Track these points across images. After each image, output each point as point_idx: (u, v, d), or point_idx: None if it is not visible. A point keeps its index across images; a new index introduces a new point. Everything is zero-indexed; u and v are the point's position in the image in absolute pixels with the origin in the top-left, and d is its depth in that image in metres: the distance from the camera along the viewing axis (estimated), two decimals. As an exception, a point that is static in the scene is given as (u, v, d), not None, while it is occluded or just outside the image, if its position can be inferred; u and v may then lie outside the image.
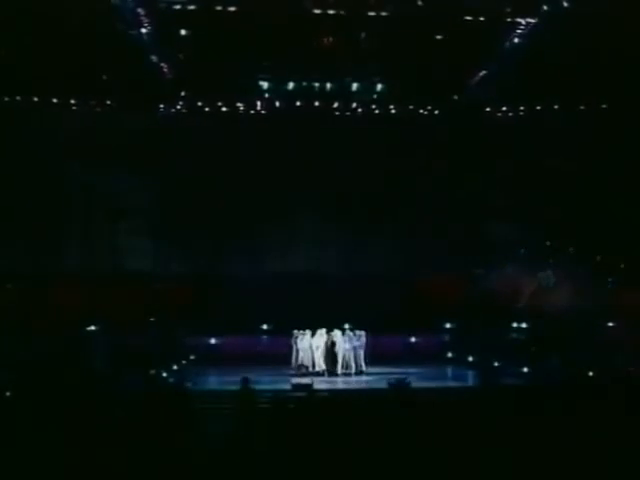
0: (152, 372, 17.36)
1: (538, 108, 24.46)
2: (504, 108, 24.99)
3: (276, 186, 24.37)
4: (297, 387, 16.57)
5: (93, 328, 19.82)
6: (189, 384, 16.46)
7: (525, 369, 18.12)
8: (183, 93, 23.78)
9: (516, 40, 19.51)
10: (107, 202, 23.81)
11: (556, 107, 24.13)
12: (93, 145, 23.65)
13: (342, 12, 18.06)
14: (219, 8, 17.97)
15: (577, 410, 10.55)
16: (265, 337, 23.13)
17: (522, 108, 24.82)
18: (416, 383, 16.70)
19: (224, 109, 24.47)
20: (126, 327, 19.63)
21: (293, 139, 24.40)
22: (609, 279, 21.81)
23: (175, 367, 18.71)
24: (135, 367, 16.84)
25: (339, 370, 19.59)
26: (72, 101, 23.77)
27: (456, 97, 23.96)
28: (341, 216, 24.84)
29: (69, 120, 23.76)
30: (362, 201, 24.70)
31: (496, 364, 18.77)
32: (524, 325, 20.91)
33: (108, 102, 23.79)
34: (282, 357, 19.92)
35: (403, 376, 17.27)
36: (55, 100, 23.52)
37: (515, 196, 24.18)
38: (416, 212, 24.61)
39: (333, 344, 19.65)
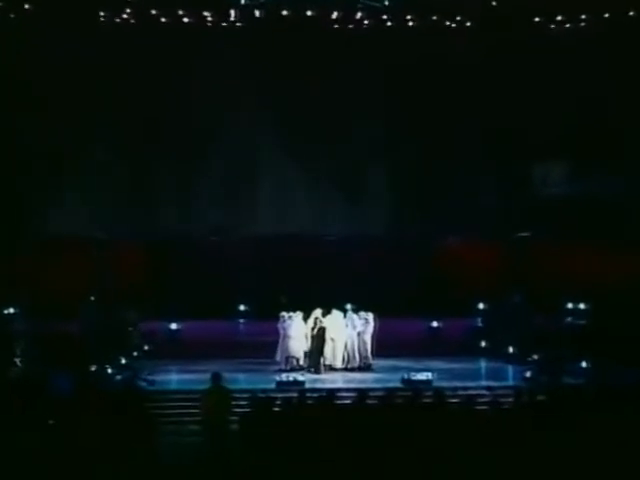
0: (93, 368, 17.41)
1: (606, 16, 24.04)
2: (559, 17, 24.54)
3: (257, 124, 24.20)
4: (284, 385, 16.74)
5: (12, 311, 19.65)
6: (143, 383, 16.50)
7: (584, 364, 18.10)
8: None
9: None
10: (32, 148, 23.44)
11: (632, 13, 23.68)
12: (9, 71, 22.98)
13: None
14: None
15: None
16: (243, 321, 23.28)
17: (584, 17, 24.37)
18: (440, 381, 16.93)
19: (186, 20, 24.02)
20: (57, 309, 19.57)
21: (278, 61, 24.12)
22: None
23: (124, 361, 18.75)
24: (70, 362, 16.77)
25: (339, 364, 19.54)
26: None
27: (494, 3, 23.53)
28: (341, 164, 24.69)
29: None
30: (368, 144, 24.60)
31: (543, 357, 18.73)
32: (582, 306, 20.87)
33: (27, 6, 23.14)
34: (265, 347, 19.86)
35: (422, 371, 17.66)
36: None
37: (567, 132, 24.10)
38: (437, 157, 24.53)
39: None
